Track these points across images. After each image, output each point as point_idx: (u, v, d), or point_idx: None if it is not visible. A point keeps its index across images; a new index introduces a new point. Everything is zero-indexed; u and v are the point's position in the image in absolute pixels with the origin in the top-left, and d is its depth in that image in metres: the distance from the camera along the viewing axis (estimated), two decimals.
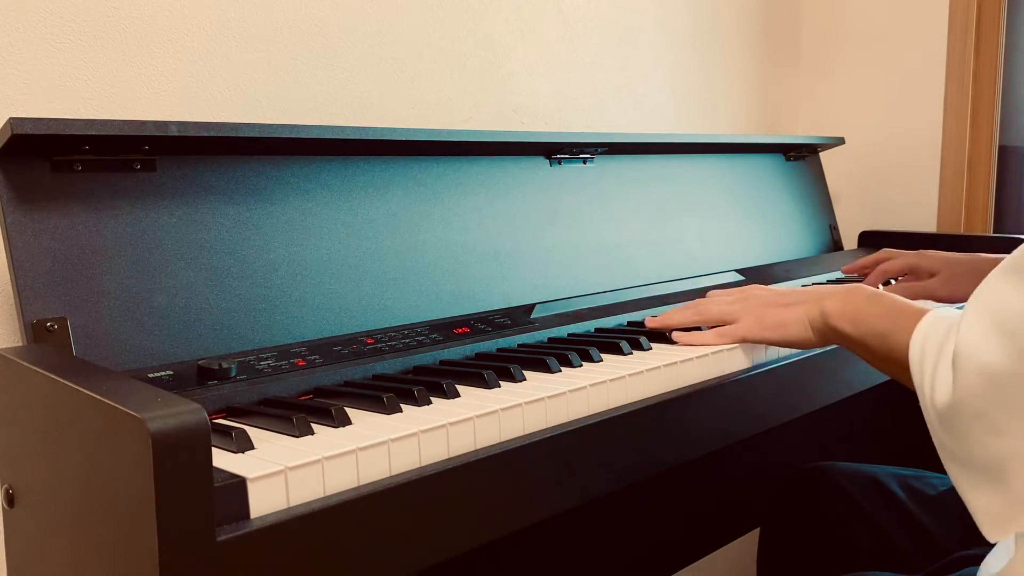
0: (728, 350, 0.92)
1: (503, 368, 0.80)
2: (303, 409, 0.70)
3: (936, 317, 0.70)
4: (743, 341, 0.93)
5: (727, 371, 0.91)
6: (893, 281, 1.30)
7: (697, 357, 0.89)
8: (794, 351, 0.98)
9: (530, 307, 1.07)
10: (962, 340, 0.61)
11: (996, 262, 1.10)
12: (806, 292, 0.90)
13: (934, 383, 0.64)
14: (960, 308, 0.69)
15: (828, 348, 1.01)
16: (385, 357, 0.86)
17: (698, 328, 0.97)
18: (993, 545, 0.73)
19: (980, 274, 0.72)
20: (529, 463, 0.70)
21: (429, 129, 1.12)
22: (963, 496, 0.63)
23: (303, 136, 0.89)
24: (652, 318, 1.01)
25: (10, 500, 0.74)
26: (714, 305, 0.97)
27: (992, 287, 0.61)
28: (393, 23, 1.17)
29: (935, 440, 0.66)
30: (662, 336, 0.97)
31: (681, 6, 1.61)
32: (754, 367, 0.93)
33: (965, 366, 0.60)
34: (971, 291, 0.64)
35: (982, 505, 0.62)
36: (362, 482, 0.61)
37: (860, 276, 1.33)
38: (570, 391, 0.76)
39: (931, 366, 0.66)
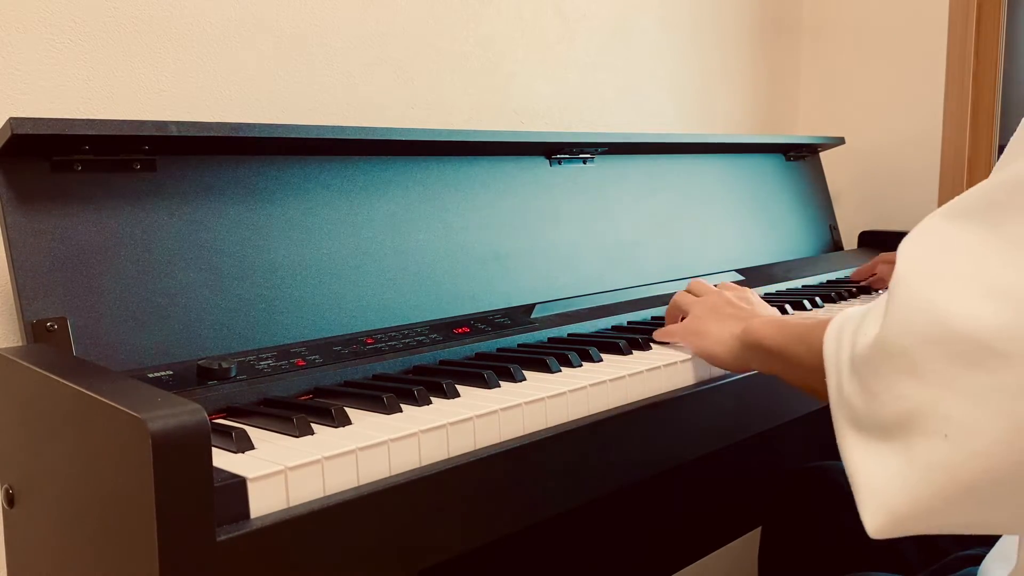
0: None
1: (503, 368, 0.80)
2: (303, 409, 0.70)
3: (852, 309, 0.61)
4: (672, 340, 0.94)
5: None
6: None
7: (697, 357, 0.89)
8: None
9: (530, 307, 1.07)
10: (903, 271, 0.51)
11: None
12: (747, 310, 0.87)
13: (855, 340, 0.54)
14: None
15: None
16: (385, 357, 0.86)
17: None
18: (992, 546, 0.73)
19: None
20: (529, 463, 0.70)
21: (429, 129, 1.12)
22: (847, 460, 0.53)
23: (303, 136, 0.89)
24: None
25: (10, 500, 0.74)
26: (684, 296, 0.96)
27: (935, 229, 0.51)
28: (393, 23, 1.17)
29: (834, 406, 0.56)
30: None
31: (681, 6, 1.61)
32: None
33: (904, 296, 0.49)
34: None
35: (869, 470, 0.50)
36: (362, 482, 0.61)
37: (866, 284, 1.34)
38: (570, 391, 0.76)
39: (851, 331, 0.56)
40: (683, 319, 0.95)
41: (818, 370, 0.59)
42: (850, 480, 0.51)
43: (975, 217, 0.49)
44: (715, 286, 0.96)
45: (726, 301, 0.90)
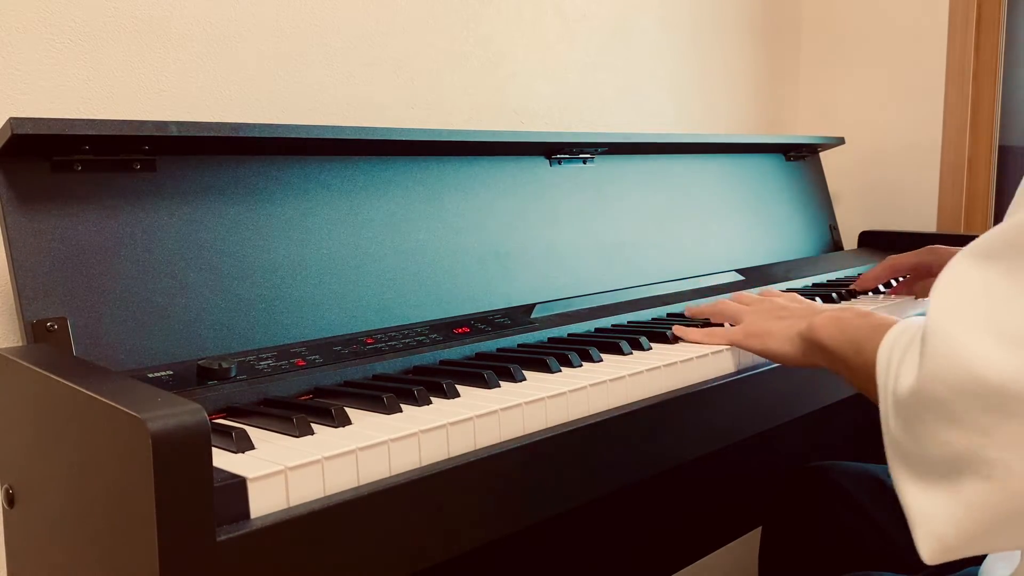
0: (728, 350, 0.92)
1: (503, 368, 0.80)
2: (303, 409, 0.70)
3: (906, 323, 0.66)
4: (729, 344, 0.94)
5: (727, 371, 0.91)
6: (898, 281, 1.30)
7: (697, 357, 0.89)
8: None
9: (530, 307, 1.07)
10: (933, 322, 0.55)
11: None
12: (806, 308, 0.89)
13: (899, 372, 0.59)
14: None
15: None
16: (385, 357, 0.86)
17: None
18: None
19: None
20: (529, 463, 0.70)
21: (429, 129, 1.12)
22: (903, 498, 0.57)
23: (303, 136, 0.89)
24: (689, 306, 1.07)
25: (10, 500, 0.74)
26: (731, 305, 0.98)
27: (959, 269, 0.56)
28: (393, 23, 1.17)
29: (886, 438, 0.60)
30: (662, 336, 0.97)
31: (681, 6, 1.61)
32: (755, 367, 0.93)
33: (936, 348, 0.54)
34: None
35: (923, 510, 0.55)
36: (362, 482, 0.61)
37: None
38: (570, 391, 0.76)
39: (898, 358, 0.60)
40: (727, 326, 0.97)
41: (871, 381, 0.64)
42: (905, 511, 0.57)
43: (997, 259, 0.53)
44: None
45: (780, 305, 0.92)
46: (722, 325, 1.00)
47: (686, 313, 1.07)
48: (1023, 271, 0.51)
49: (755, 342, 0.90)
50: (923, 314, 0.58)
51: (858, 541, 1.09)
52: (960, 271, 0.56)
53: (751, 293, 1.01)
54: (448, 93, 1.24)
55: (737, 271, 1.38)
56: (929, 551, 0.54)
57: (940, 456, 0.54)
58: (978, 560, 0.75)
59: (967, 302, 0.54)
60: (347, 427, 0.66)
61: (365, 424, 0.67)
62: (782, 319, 0.89)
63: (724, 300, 1.01)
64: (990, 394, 0.50)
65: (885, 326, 0.68)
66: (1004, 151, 1.69)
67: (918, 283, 1.24)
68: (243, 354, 0.82)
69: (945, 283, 0.56)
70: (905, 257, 1.24)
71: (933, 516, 0.54)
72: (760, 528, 1.29)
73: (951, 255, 1.19)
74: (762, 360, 0.95)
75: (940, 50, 1.69)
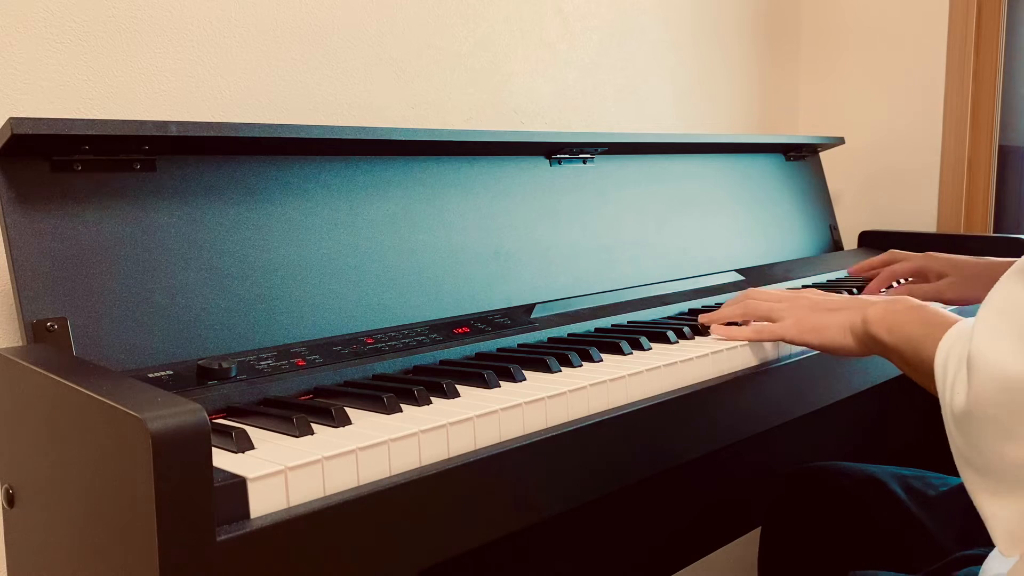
0: (728, 350, 0.92)
1: (503, 368, 0.80)
2: (303, 409, 0.70)
3: (962, 327, 0.70)
4: (781, 340, 0.94)
5: (727, 371, 0.91)
6: (899, 283, 1.30)
7: (697, 357, 0.89)
8: (795, 351, 0.98)
9: (530, 307, 1.07)
10: (976, 344, 0.60)
11: (1006, 265, 1.10)
12: (852, 299, 0.90)
13: (954, 388, 0.63)
14: None
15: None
16: (385, 357, 0.86)
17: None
18: (991, 545, 0.73)
19: (989, 277, 0.71)
20: (529, 463, 0.70)
21: (429, 129, 1.12)
22: (979, 506, 0.63)
23: (303, 136, 0.89)
24: (704, 314, 1.02)
25: (10, 500, 0.74)
26: (762, 303, 0.97)
27: (1007, 290, 0.61)
28: (393, 23, 1.17)
29: (952, 446, 0.65)
30: (662, 336, 0.97)
31: (681, 6, 1.61)
32: (754, 367, 0.94)
33: (980, 370, 0.59)
34: (979, 294, 0.64)
35: (997, 514, 0.61)
36: (362, 482, 0.61)
37: (865, 280, 1.32)
38: (570, 391, 0.76)
39: (952, 372, 0.65)
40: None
41: (929, 379, 0.71)
42: (979, 512, 0.63)
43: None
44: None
45: (824, 297, 0.94)
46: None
47: (705, 320, 1.01)
48: None
49: (812, 336, 0.90)
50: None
51: (857, 541, 1.09)
52: (1003, 288, 0.61)
53: (769, 288, 1.01)
54: (448, 93, 1.24)
55: (737, 271, 1.38)
56: (1007, 546, 0.61)
57: (1002, 467, 0.60)
58: (979, 560, 0.76)
59: (1006, 317, 0.59)
60: (347, 427, 0.66)
61: (365, 424, 0.67)
62: (833, 312, 0.89)
63: (748, 300, 0.98)
64: (1019, 395, 0.56)
65: (938, 324, 0.73)
66: (1004, 151, 1.69)
67: (918, 287, 1.24)
68: (243, 354, 0.82)
69: (989, 301, 0.62)
70: (901, 265, 1.25)
71: (1007, 519, 0.60)
72: (759, 528, 1.29)
73: (947, 262, 1.20)
74: (762, 360, 0.95)
75: (940, 50, 1.69)
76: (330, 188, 0.96)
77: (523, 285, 1.11)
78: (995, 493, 0.61)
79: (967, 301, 1.16)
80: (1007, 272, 0.61)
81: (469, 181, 1.09)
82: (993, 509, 0.61)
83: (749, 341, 0.94)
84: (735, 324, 0.98)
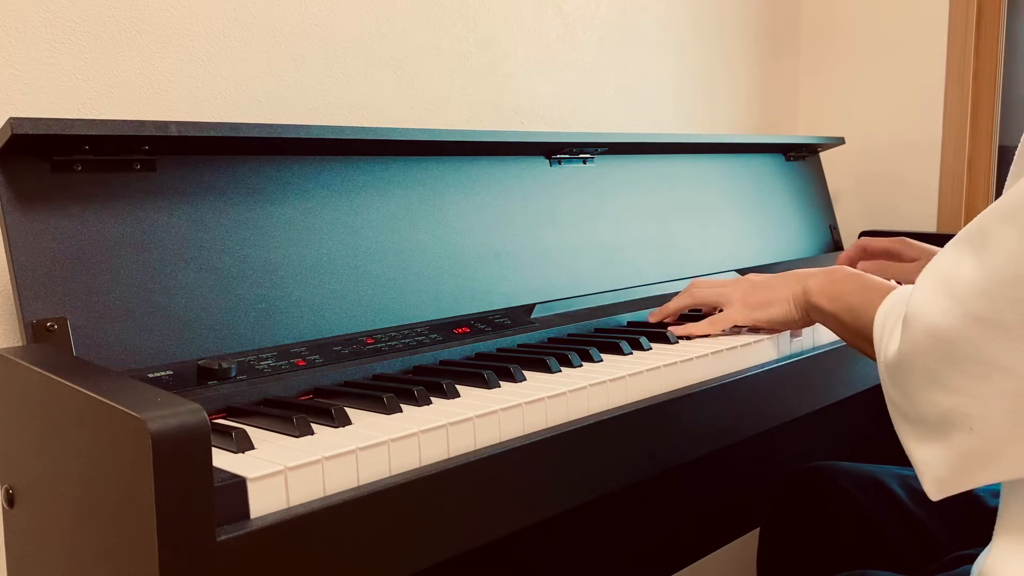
0: (727, 350, 0.92)
1: (503, 368, 0.80)
2: (303, 409, 0.70)
3: (900, 292, 0.75)
4: (734, 324, 0.97)
5: (727, 371, 0.91)
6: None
7: (697, 357, 0.89)
8: (795, 351, 0.98)
9: (530, 307, 1.07)
10: (912, 302, 0.64)
11: None
12: (791, 274, 0.94)
13: (888, 342, 0.68)
14: None
15: (829, 347, 1.02)
16: (385, 357, 0.86)
17: (696, 313, 1.04)
18: (988, 544, 0.73)
19: None
20: (529, 463, 0.70)
21: (429, 129, 1.12)
22: (908, 451, 0.66)
23: (303, 136, 0.89)
24: (653, 312, 1.06)
25: (10, 500, 0.74)
26: (708, 289, 1.01)
27: (945, 256, 0.65)
28: (393, 23, 1.17)
29: (886, 397, 0.69)
30: (662, 336, 0.97)
31: (681, 6, 1.61)
32: (754, 367, 0.94)
33: (914, 325, 0.63)
34: None
35: (926, 460, 0.64)
36: (362, 482, 0.61)
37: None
38: (570, 391, 0.76)
39: (888, 329, 0.69)
40: (717, 311, 1.00)
41: (864, 341, 0.77)
42: (909, 458, 0.67)
43: (968, 241, 0.62)
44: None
45: (763, 277, 0.98)
46: (699, 315, 1.03)
47: (653, 318, 1.06)
48: (985, 248, 0.59)
49: (760, 314, 0.95)
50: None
51: (857, 541, 1.09)
52: (943, 255, 0.64)
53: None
54: (448, 93, 1.24)
55: (737, 271, 1.38)
56: (934, 491, 0.65)
57: (932, 414, 0.63)
58: (971, 559, 0.75)
59: (942, 279, 0.62)
60: (347, 427, 0.66)
61: (365, 424, 0.67)
62: (775, 288, 0.95)
63: (694, 291, 1.02)
64: (951, 349, 0.60)
65: (876, 291, 0.78)
66: (1004, 151, 1.69)
67: (886, 264, 1.25)
68: (243, 354, 0.82)
69: (929, 266, 0.65)
70: (877, 241, 1.28)
71: (934, 465, 0.64)
72: (759, 528, 1.29)
73: (920, 249, 1.23)
74: (763, 360, 0.95)
75: (940, 50, 1.69)
76: (330, 188, 0.96)
77: (523, 285, 1.11)
78: (923, 439, 0.64)
79: None
80: (950, 241, 0.65)
81: (469, 181, 1.09)
82: (922, 455, 0.65)
83: (707, 335, 0.97)
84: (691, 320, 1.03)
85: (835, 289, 0.86)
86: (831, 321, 0.86)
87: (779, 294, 0.94)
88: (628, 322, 1.09)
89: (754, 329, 0.98)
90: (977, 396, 0.60)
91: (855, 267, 1.30)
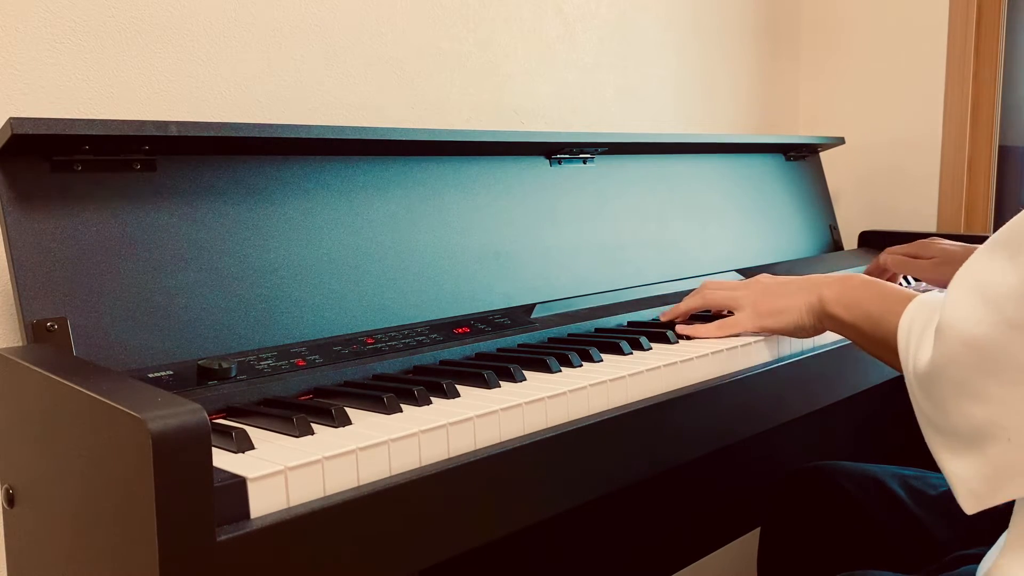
0: (727, 350, 0.92)
1: (503, 368, 0.80)
2: (303, 409, 0.70)
3: (924, 299, 0.73)
4: (743, 331, 0.95)
5: (727, 371, 0.91)
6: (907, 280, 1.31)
7: (697, 357, 0.89)
8: (795, 351, 0.98)
9: (530, 307, 1.07)
10: (946, 310, 0.63)
11: None
12: (805, 281, 0.92)
13: (918, 352, 0.66)
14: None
15: (830, 347, 1.02)
16: (385, 357, 0.86)
17: (707, 314, 1.02)
18: (991, 544, 0.73)
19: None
20: (529, 463, 0.70)
21: (429, 129, 1.12)
22: (941, 464, 0.65)
23: (303, 136, 0.89)
24: (665, 312, 1.05)
25: (10, 500, 0.74)
26: (719, 292, 0.99)
27: (977, 262, 0.63)
28: (393, 23, 1.17)
29: (916, 409, 0.68)
30: (662, 336, 0.97)
31: (681, 6, 1.61)
32: (755, 367, 0.93)
33: (947, 334, 0.62)
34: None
35: (959, 472, 0.63)
36: (362, 482, 0.61)
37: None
38: (570, 391, 0.76)
39: (916, 339, 0.68)
40: (726, 314, 0.98)
41: (891, 350, 0.74)
42: (942, 471, 0.65)
43: (1004, 246, 0.60)
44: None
45: (777, 281, 0.96)
46: (708, 317, 1.02)
47: (664, 318, 1.04)
48: (1021, 253, 0.58)
49: (771, 322, 0.93)
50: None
51: (857, 541, 1.09)
52: (975, 261, 0.63)
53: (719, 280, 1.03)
54: (448, 93, 1.24)
55: (737, 271, 1.38)
56: (969, 504, 0.63)
57: (965, 425, 0.61)
58: (976, 559, 0.76)
59: (976, 286, 0.61)
60: (347, 427, 0.66)
61: (365, 424, 0.67)
62: (788, 295, 0.92)
63: (706, 293, 1.01)
64: (987, 357, 0.59)
65: (897, 299, 0.76)
66: (1004, 151, 1.69)
67: (901, 259, 1.27)
68: (243, 354, 0.82)
69: (961, 272, 0.64)
70: (900, 249, 1.27)
71: (968, 478, 0.62)
72: (759, 528, 1.29)
73: (940, 248, 1.23)
74: (763, 360, 0.95)
75: (940, 50, 1.69)
76: (330, 188, 0.96)
77: (523, 285, 1.11)
78: (957, 452, 0.63)
79: (944, 282, 1.18)
80: (981, 246, 0.64)
81: (469, 181, 1.09)
82: (955, 468, 0.63)
83: (715, 337, 0.96)
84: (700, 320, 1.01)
85: (852, 297, 0.84)
86: (849, 331, 0.85)
87: (792, 302, 0.91)
88: (628, 322, 1.09)
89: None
90: (1015, 406, 0.59)
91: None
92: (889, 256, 1.28)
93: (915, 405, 0.68)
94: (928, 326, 0.67)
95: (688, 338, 0.97)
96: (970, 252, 1.18)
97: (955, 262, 1.17)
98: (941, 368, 0.62)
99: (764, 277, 0.99)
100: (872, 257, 1.48)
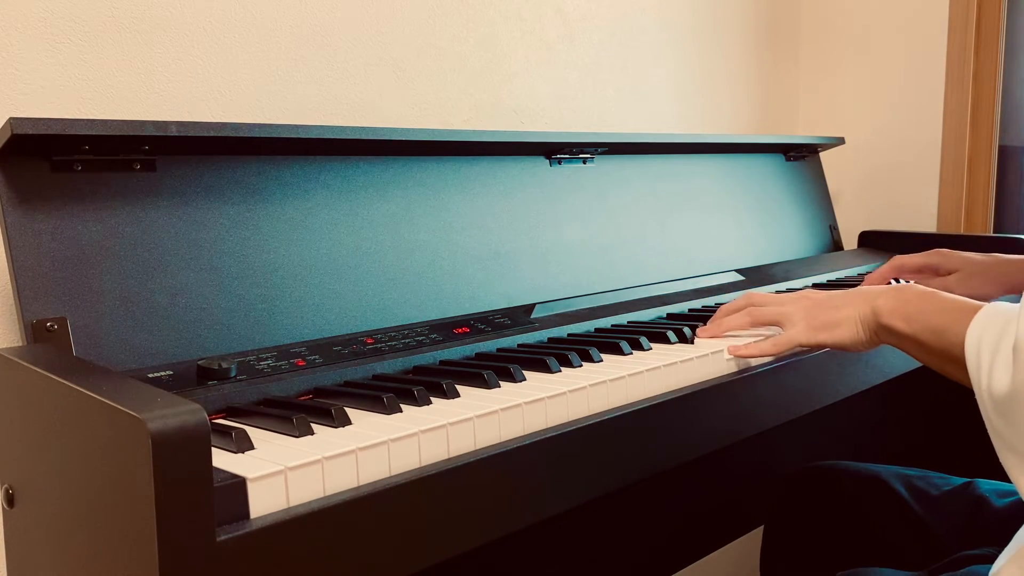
0: (727, 351, 0.92)
1: (503, 368, 0.80)
2: (303, 409, 0.70)
3: (993, 310, 0.70)
4: (798, 347, 0.93)
5: (728, 371, 0.91)
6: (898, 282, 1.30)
7: (697, 357, 0.89)
8: (795, 351, 0.98)
9: (530, 307, 1.07)
10: (1023, 327, 0.60)
11: (1015, 263, 1.10)
12: (856, 292, 0.89)
13: (992, 373, 0.64)
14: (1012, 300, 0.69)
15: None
16: (385, 357, 0.86)
17: (708, 312, 0.99)
18: (994, 544, 0.73)
19: (997, 272, 0.70)
20: (529, 463, 0.70)
21: (429, 129, 1.12)
22: (1018, 485, 0.63)
23: (303, 136, 0.89)
24: (704, 328, 0.99)
25: (10, 500, 0.74)
26: (767, 309, 0.96)
27: None
28: (393, 23, 1.17)
29: (991, 431, 0.65)
30: (663, 336, 0.97)
31: (681, 6, 1.61)
32: (755, 367, 0.93)
33: None
34: (986, 289, 0.64)
35: None
36: (362, 482, 0.61)
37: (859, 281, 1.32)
38: (570, 391, 0.75)
39: (988, 357, 0.65)
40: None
41: (952, 363, 0.72)
42: (1019, 491, 0.64)
43: None
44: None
45: (827, 294, 0.93)
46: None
47: (703, 334, 0.98)
48: None
49: (825, 336, 0.90)
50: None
51: (860, 540, 1.09)
52: None
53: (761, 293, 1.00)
54: (448, 93, 1.24)
55: (737, 271, 1.38)
56: None
57: None
58: (981, 560, 0.75)
59: None
60: (347, 427, 0.66)
61: (365, 424, 0.67)
62: (841, 308, 0.89)
63: (752, 308, 0.97)
64: None
65: (961, 310, 0.73)
66: (1004, 151, 1.69)
67: (926, 280, 1.23)
68: (243, 354, 0.82)
69: None
70: (912, 258, 1.24)
71: None
72: (761, 528, 1.29)
73: (961, 258, 1.20)
74: (763, 361, 0.95)
75: (940, 50, 1.69)
76: (330, 188, 0.96)
77: (523, 285, 1.11)
78: None
79: (974, 297, 1.17)
80: None
81: (469, 181, 1.09)
82: None
83: (771, 355, 0.93)
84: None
85: (910, 309, 0.81)
86: (908, 343, 0.82)
87: (845, 314, 0.88)
88: (628, 321, 1.09)
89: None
90: None
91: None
92: (907, 275, 1.24)
93: (988, 423, 0.66)
94: (1002, 341, 0.64)
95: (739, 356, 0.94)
96: (995, 260, 1.18)
97: (983, 274, 1.16)
98: (1020, 391, 0.60)
99: (811, 292, 0.96)
100: (872, 257, 1.48)
